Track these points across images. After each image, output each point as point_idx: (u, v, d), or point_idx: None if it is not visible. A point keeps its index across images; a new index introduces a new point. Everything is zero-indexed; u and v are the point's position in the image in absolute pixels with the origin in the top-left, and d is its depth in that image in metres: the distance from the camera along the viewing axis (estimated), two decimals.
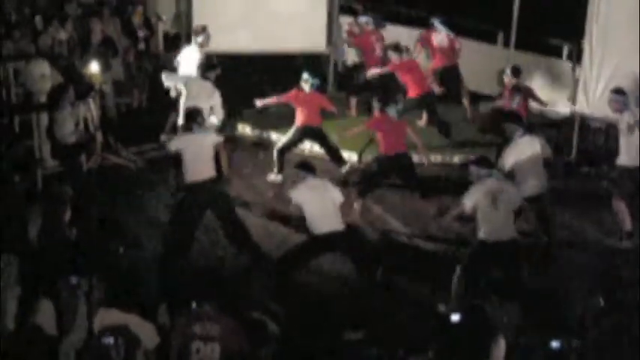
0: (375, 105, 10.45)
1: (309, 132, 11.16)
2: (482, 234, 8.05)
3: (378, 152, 10.41)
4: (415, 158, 10.61)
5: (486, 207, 7.99)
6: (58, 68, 11.66)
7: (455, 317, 5.90)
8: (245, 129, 12.92)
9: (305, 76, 11.20)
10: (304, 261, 8.52)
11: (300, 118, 11.11)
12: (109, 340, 5.44)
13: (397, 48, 12.35)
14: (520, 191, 8.52)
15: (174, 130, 11.93)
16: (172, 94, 11.48)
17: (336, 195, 8.51)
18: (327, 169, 11.06)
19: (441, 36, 13.31)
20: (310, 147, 11.77)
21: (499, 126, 9.80)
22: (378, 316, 7.88)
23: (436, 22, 13.37)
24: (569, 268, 8.85)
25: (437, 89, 12.93)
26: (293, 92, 11.23)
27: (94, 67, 11.48)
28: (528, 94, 11.48)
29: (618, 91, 9.67)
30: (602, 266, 8.88)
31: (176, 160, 9.20)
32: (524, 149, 9.07)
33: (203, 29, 11.81)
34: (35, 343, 5.31)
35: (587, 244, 9.56)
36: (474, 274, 7.97)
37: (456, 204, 8.42)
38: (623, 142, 9.54)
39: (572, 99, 11.93)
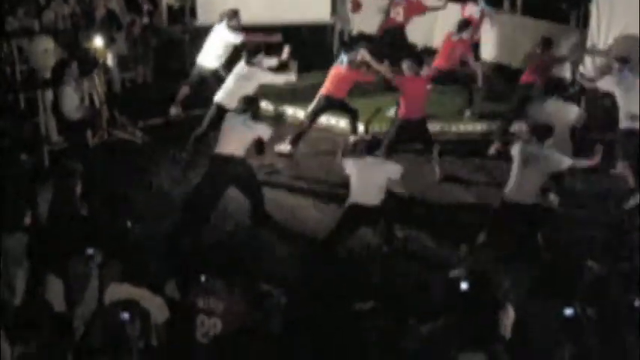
0: (407, 66, 10.32)
1: (331, 103, 11.09)
2: (506, 190, 8.12)
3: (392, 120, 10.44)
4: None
5: (518, 165, 8.04)
6: (62, 44, 11.62)
7: (463, 285, 5.91)
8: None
9: (342, 52, 11.29)
10: (343, 233, 8.41)
11: (323, 88, 11.06)
12: (125, 315, 5.44)
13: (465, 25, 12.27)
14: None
15: (183, 104, 11.94)
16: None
17: (391, 170, 8.34)
18: (333, 139, 11.10)
19: (473, 9, 13.22)
20: (327, 120, 11.74)
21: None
22: (387, 286, 7.87)
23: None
24: (581, 236, 8.83)
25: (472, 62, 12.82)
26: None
27: (97, 41, 11.44)
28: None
29: (623, 60, 9.73)
30: (612, 233, 8.85)
31: None
32: (551, 113, 9.05)
33: (235, 13, 11.68)
34: (42, 317, 5.32)
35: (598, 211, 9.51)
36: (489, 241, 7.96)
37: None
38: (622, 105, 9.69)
39: (579, 64, 11.84)
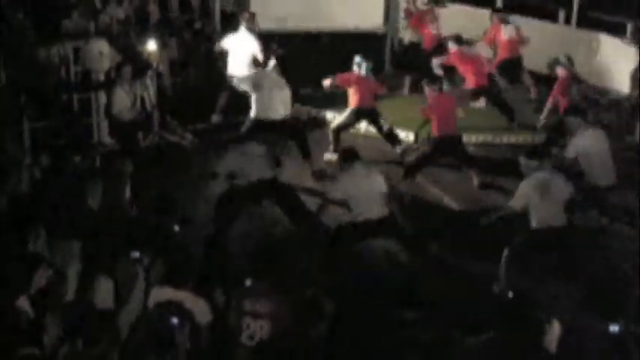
0: (428, 87, 10.43)
1: (363, 113, 11.13)
2: (533, 223, 8.05)
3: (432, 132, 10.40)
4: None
5: (536, 200, 7.99)
6: (116, 47, 11.79)
7: (508, 299, 5.85)
8: (301, 109, 12.90)
9: (357, 59, 11.16)
10: (353, 242, 8.46)
11: (354, 100, 11.06)
12: (174, 319, 5.47)
13: (458, 40, 12.20)
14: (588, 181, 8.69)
15: (224, 110, 12.03)
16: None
17: (379, 184, 8.27)
18: (381, 148, 11.05)
19: (510, 29, 13.11)
20: (366, 127, 11.70)
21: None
22: (433, 296, 7.83)
23: (511, 19, 13.19)
24: (628, 250, 8.68)
25: (501, 83, 12.76)
26: (347, 75, 11.18)
27: (151, 45, 11.59)
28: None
29: None
30: None
31: None
32: (588, 141, 9.05)
33: (253, 16, 11.79)
34: (89, 318, 5.38)
35: None
36: (524, 258, 7.90)
37: (502, 207, 8.49)
38: None
39: (635, 78, 11.68)
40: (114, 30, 12.67)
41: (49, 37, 11.41)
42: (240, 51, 11.80)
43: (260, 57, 11.60)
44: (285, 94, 10.54)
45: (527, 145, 11.62)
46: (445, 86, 10.69)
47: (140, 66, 11.07)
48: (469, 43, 12.60)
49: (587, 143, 9.06)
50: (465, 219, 9.65)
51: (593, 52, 13.14)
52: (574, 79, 11.15)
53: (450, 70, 12.42)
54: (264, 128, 10.40)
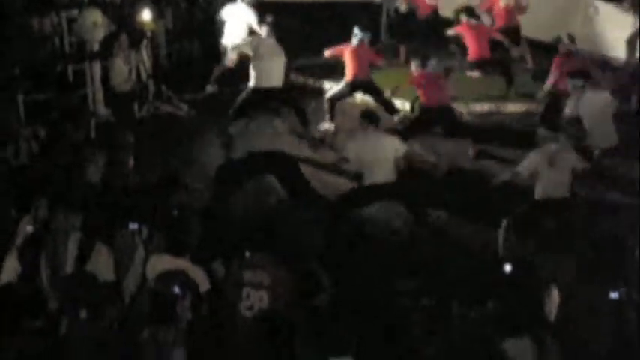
0: (413, 63, 10.48)
1: (357, 85, 11.11)
2: (538, 193, 8.10)
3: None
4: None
5: (544, 169, 8.04)
6: (111, 17, 11.70)
7: (507, 268, 5.87)
8: (297, 78, 12.86)
9: (355, 30, 11.11)
10: (356, 208, 8.57)
11: (348, 72, 11.04)
12: (176, 289, 5.48)
13: (472, 13, 12.14)
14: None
15: (220, 81, 11.98)
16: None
17: (393, 148, 8.44)
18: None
19: None
20: (362, 96, 11.67)
21: None
22: (432, 265, 7.85)
23: None
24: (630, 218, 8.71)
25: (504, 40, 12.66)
26: (342, 47, 11.15)
27: (146, 15, 11.48)
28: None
29: None
30: None
31: None
32: (589, 103, 9.11)
33: None
34: (90, 289, 5.39)
35: None
36: (524, 228, 7.95)
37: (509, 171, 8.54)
38: None
39: (633, 44, 11.64)
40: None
41: (42, 7, 11.31)
42: (236, 21, 11.73)
43: (256, 28, 11.52)
44: (281, 62, 10.49)
45: (523, 113, 11.67)
46: (432, 62, 10.66)
47: (135, 36, 10.98)
48: (477, 16, 12.50)
49: (588, 104, 9.10)
50: (462, 187, 9.66)
51: (589, 19, 13.04)
52: (573, 56, 11.06)
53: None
54: (264, 96, 10.35)
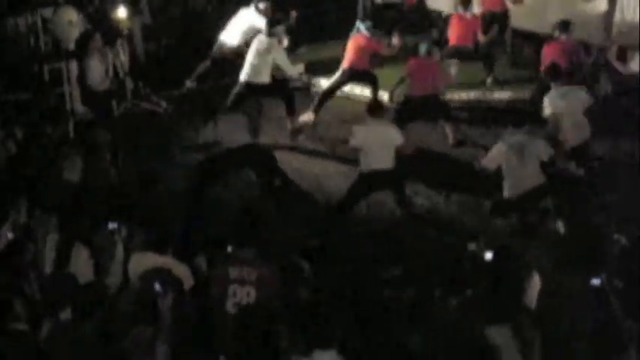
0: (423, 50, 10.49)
1: (354, 74, 11.11)
2: (506, 190, 8.18)
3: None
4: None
5: (512, 162, 8.09)
6: (86, 15, 11.61)
7: (487, 256, 5.90)
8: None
9: (357, 21, 11.23)
10: (354, 199, 8.70)
11: (346, 60, 11.06)
12: (158, 286, 5.46)
13: (464, 3, 12.11)
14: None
15: (201, 77, 11.94)
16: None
17: (395, 136, 8.67)
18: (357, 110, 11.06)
19: None
20: (350, 89, 11.71)
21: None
22: (414, 254, 7.89)
23: None
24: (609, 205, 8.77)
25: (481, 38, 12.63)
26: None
27: (121, 12, 11.42)
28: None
29: None
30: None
31: None
32: (561, 98, 9.13)
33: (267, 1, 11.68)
34: (70, 289, 5.37)
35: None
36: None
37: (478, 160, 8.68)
38: None
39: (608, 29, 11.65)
40: None
41: (16, 6, 11.22)
42: (241, 25, 11.67)
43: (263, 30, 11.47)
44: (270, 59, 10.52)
45: (504, 101, 11.71)
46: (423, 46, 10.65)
47: (111, 34, 10.92)
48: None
49: (559, 103, 9.13)
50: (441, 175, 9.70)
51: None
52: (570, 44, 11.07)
53: None
54: (255, 91, 10.35)
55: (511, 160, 8.11)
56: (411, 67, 10.45)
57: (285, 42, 10.89)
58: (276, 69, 10.72)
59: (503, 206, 8.26)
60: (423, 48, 10.48)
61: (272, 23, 10.63)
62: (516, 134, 8.25)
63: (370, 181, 8.62)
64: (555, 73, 9.58)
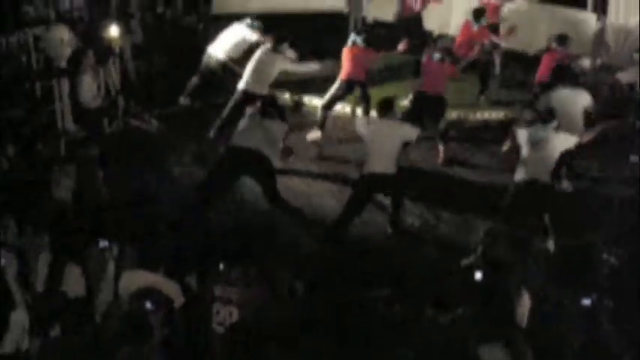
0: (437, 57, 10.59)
1: (352, 85, 11.15)
2: (517, 175, 8.17)
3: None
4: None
5: (527, 149, 8.13)
6: (78, 33, 11.63)
7: (478, 275, 5.91)
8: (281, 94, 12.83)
9: (352, 34, 11.38)
10: (356, 206, 8.62)
11: (343, 72, 11.11)
12: (148, 304, 5.46)
13: (476, 15, 12.26)
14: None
15: (193, 94, 11.96)
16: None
17: (409, 132, 8.67)
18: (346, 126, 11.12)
19: None
20: (342, 107, 11.77)
21: None
22: (404, 273, 7.88)
23: None
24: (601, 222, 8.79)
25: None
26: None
27: (113, 30, 11.44)
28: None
29: None
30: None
31: None
32: (560, 100, 9.18)
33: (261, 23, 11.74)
34: (61, 308, 5.35)
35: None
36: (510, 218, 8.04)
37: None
38: None
39: (596, 50, 11.76)
40: (75, 15, 12.51)
41: (8, 24, 11.23)
42: (231, 38, 11.71)
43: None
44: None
45: (494, 121, 11.77)
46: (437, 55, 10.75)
47: (102, 52, 10.93)
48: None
49: (559, 101, 9.14)
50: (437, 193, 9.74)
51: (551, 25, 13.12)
52: (567, 57, 11.17)
53: None
54: (251, 101, 10.35)
55: (526, 148, 8.15)
56: (426, 65, 10.57)
57: (293, 55, 10.99)
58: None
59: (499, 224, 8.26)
60: (436, 56, 10.57)
61: (278, 40, 10.70)
62: (539, 127, 8.25)
63: (371, 184, 8.57)
64: (557, 75, 9.73)
